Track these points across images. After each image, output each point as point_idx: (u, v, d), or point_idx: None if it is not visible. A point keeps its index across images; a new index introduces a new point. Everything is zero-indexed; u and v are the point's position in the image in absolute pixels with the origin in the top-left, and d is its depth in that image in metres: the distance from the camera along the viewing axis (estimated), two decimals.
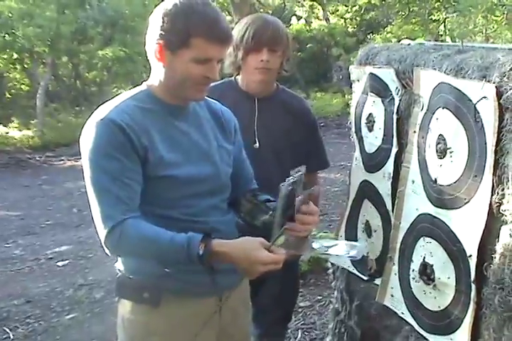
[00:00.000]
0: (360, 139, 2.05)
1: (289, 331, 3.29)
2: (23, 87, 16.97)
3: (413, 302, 1.72)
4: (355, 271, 2.08)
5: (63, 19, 11.41)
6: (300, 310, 3.56)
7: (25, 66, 14.24)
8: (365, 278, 2.02)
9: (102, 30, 12.68)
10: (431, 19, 12.09)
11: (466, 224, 1.47)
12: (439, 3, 11.90)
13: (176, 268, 1.51)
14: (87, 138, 1.47)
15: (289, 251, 1.50)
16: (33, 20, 10.80)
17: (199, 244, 1.38)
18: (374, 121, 1.95)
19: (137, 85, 1.61)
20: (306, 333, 3.30)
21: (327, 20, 16.39)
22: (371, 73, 1.96)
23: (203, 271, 1.46)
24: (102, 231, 1.44)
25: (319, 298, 3.70)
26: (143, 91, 1.57)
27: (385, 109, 1.88)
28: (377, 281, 1.93)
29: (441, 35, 11.30)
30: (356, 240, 2.06)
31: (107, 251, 1.48)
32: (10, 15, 11.12)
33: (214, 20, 1.45)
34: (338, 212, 5.23)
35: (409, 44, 1.97)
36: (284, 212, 1.44)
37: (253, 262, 1.38)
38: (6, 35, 11.64)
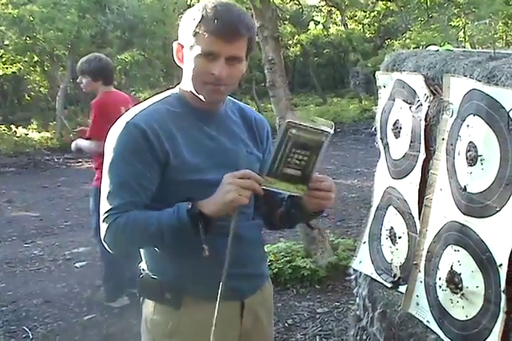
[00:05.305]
0: (386, 145, 2.04)
1: (306, 337, 3.29)
2: (42, 89, 17.20)
3: (439, 311, 1.70)
4: (378, 278, 2.06)
5: (83, 23, 11.56)
6: (318, 316, 3.54)
7: (45, 69, 14.44)
8: (388, 285, 2.00)
9: (121, 34, 12.81)
10: (450, 25, 12.03)
11: (497, 233, 1.46)
12: (458, 10, 11.85)
13: (194, 269, 1.51)
14: (110, 140, 1.50)
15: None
16: (54, 24, 10.95)
17: (187, 205, 1.41)
18: (401, 128, 1.94)
19: (157, 89, 1.62)
20: (323, 339, 3.27)
21: (345, 25, 16.41)
22: (398, 79, 1.95)
23: (222, 275, 1.46)
24: (102, 229, 1.47)
25: (337, 304, 3.68)
26: (174, 94, 1.57)
27: (413, 116, 1.87)
28: (402, 289, 1.91)
29: (461, 42, 11.23)
30: (381, 248, 2.05)
31: (108, 249, 1.51)
32: (31, 18, 11.29)
33: (221, 16, 1.42)
34: (356, 218, 5.28)
35: (437, 50, 1.95)
36: (280, 153, 1.36)
37: (222, 183, 1.40)
38: (27, 38, 11.81)
